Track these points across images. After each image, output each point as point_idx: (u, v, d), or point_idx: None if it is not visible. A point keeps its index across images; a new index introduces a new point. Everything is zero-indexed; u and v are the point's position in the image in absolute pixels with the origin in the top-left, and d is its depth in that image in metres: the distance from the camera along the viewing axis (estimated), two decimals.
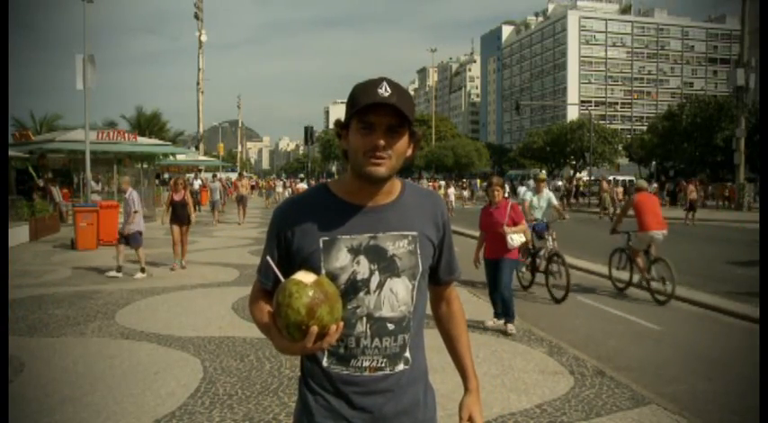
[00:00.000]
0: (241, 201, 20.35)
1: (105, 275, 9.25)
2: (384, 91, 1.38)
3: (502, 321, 6.14)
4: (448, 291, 1.72)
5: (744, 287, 8.56)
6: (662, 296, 7.78)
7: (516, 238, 6.18)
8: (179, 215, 10.29)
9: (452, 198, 26.85)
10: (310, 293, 1.23)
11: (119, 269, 9.33)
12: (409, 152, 1.49)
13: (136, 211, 9.37)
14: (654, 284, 7.92)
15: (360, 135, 1.41)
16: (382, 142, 1.40)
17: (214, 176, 24.22)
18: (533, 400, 4.19)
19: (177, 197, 10.34)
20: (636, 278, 8.40)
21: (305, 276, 1.28)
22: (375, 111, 1.39)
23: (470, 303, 7.37)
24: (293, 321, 1.23)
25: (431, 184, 35.00)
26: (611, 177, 37.44)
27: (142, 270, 9.36)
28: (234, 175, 37.24)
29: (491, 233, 6.25)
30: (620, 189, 20.98)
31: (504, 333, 5.94)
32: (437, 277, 1.65)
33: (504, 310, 6.09)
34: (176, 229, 10.21)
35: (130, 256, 9.57)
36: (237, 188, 21.33)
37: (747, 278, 9.35)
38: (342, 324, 1.30)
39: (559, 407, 4.09)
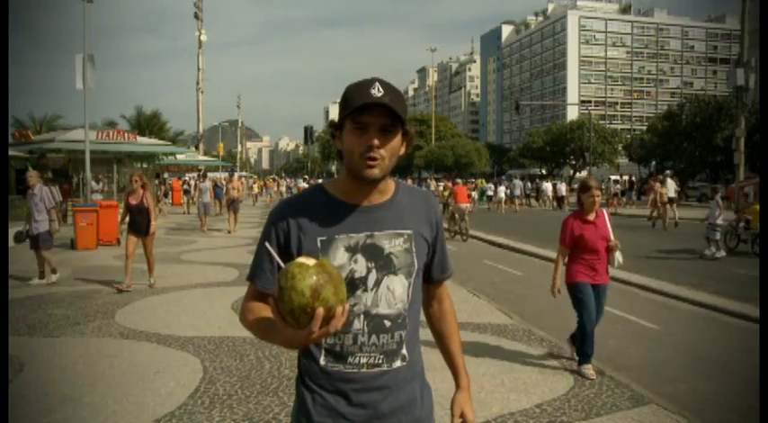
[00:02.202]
0: (232, 206, 17.44)
1: (27, 284, 8.43)
2: (377, 91, 1.40)
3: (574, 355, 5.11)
4: (440, 289, 1.74)
5: (744, 287, 8.56)
6: (464, 237, 15.27)
7: (620, 257, 5.04)
8: (137, 223, 8.18)
9: None
10: (314, 275, 1.20)
11: (41, 275, 8.64)
12: (402, 151, 1.51)
13: (50, 209, 8.59)
14: (463, 232, 15.32)
15: (354, 135, 1.43)
16: (376, 141, 1.41)
17: (204, 176, 21.30)
18: (533, 400, 4.19)
19: (134, 200, 8.18)
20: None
21: (306, 260, 1.25)
22: (368, 111, 1.40)
23: (470, 303, 7.38)
24: (298, 304, 1.19)
25: (444, 184, 33.63)
26: (613, 177, 37.43)
27: (53, 271, 8.62)
28: (235, 175, 35.61)
29: (589, 250, 4.88)
30: (664, 190, 19.22)
31: (579, 373, 4.78)
32: (430, 276, 1.67)
33: (590, 347, 4.84)
34: (132, 240, 8.18)
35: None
36: (228, 191, 18.05)
37: (747, 278, 9.36)
38: (347, 307, 1.26)
39: (559, 407, 4.09)
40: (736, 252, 12.57)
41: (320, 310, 1.19)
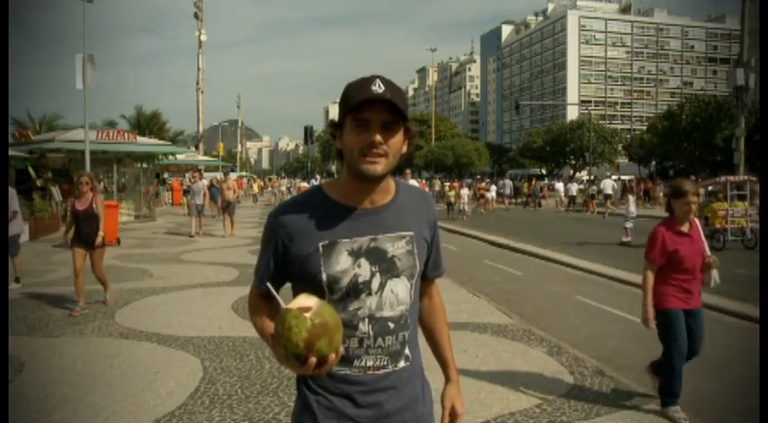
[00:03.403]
0: (227, 208, 16.08)
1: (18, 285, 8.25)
2: (378, 88, 1.38)
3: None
4: (431, 286, 1.76)
5: (744, 287, 8.55)
6: None
7: (717, 276, 4.32)
8: (83, 232, 6.82)
9: (466, 199, 24.84)
10: (309, 327, 1.24)
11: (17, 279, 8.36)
12: (404, 149, 1.49)
13: (15, 211, 8.21)
14: None
15: (355, 133, 1.41)
16: (378, 137, 1.39)
17: (198, 175, 19.29)
18: (533, 400, 4.19)
19: (80, 206, 6.86)
20: None
21: (306, 300, 1.28)
22: (370, 107, 1.39)
23: (470, 303, 7.38)
24: (292, 353, 1.26)
25: (452, 184, 33.46)
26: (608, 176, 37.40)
27: (17, 280, 8.31)
28: (233, 175, 34.30)
29: (683, 270, 4.04)
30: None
31: (667, 417, 3.95)
32: (425, 274, 1.67)
33: (678, 385, 4.00)
34: (79, 252, 6.83)
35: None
36: (223, 192, 16.72)
37: (747, 278, 9.35)
38: (341, 350, 1.32)
39: (559, 407, 4.09)
40: None
41: (312, 360, 1.25)
